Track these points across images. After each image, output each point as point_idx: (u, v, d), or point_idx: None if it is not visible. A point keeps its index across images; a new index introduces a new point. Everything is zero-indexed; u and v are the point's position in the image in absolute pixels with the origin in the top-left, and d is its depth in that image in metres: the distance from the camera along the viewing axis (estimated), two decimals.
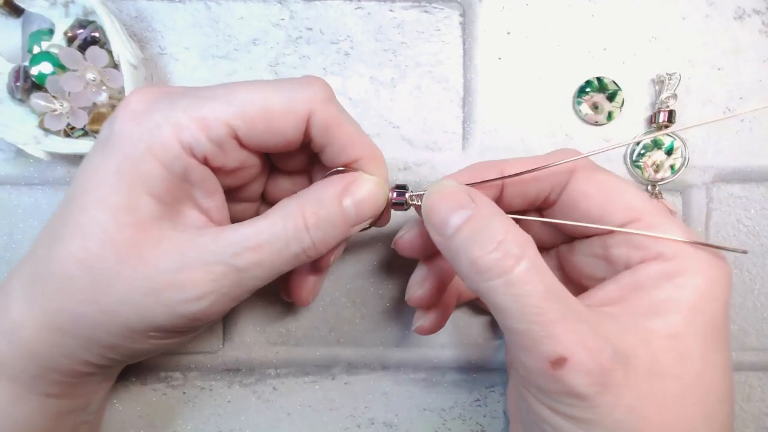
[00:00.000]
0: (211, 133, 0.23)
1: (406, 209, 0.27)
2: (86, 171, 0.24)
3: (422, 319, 0.29)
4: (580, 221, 0.26)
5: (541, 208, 0.28)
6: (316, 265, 0.29)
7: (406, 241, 0.28)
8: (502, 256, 0.21)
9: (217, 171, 0.25)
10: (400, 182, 0.28)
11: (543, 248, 0.31)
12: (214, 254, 0.23)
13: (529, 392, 0.23)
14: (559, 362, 0.21)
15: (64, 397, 0.26)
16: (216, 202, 0.26)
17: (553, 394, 0.21)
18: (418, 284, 0.29)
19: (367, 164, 0.26)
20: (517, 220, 0.29)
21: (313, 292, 0.31)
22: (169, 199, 0.24)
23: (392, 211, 0.28)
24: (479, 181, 0.26)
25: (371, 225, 0.28)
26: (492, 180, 0.27)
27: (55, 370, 0.25)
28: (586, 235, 0.27)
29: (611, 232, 0.25)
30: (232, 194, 0.28)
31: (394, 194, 0.27)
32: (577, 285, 0.29)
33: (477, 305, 0.35)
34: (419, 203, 0.26)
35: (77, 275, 0.23)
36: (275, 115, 0.24)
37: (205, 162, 0.24)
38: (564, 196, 0.26)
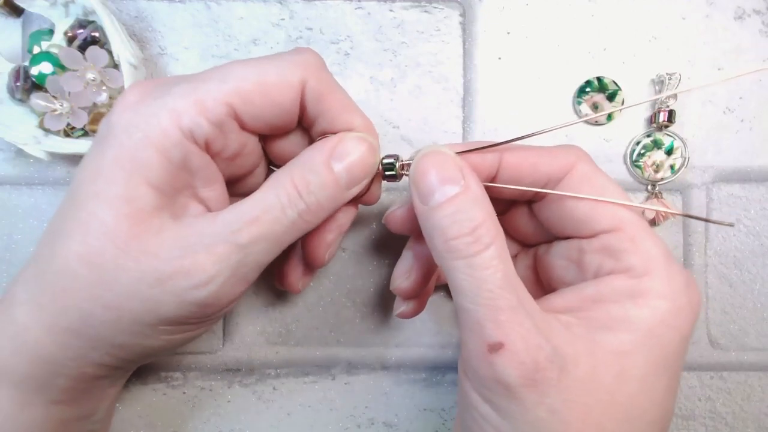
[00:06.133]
0: (210, 114, 0.23)
1: (398, 180, 0.27)
2: (85, 166, 0.24)
3: (404, 306, 0.30)
4: (565, 220, 0.26)
5: (532, 200, 0.28)
6: (309, 261, 0.29)
7: (397, 216, 0.28)
8: (472, 241, 0.22)
9: (217, 157, 0.25)
10: (391, 158, 0.27)
11: (524, 245, 0.31)
12: (214, 236, 0.23)
13: (466, 376, 0.23)
14: (495, 347, 0.21)
15: (70, 404, 0.26)
16: (216, 191, 0.25)
17: (485, 380, 0.22)
18: (404, 276, 0.29)
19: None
20: (505, 211, 0.29)
21: (304, 279, 0.31)
22: (167, 189, 0.23)
23: (381, 192, 0.28)
24: (471, 149, 0.26)
25: (361, 198, 0.28)
26: (490, 184, 0.26)
27: (62, 374, 0.24)
28: (567, 236, 0.27)
29: (590, 236, 0.25)
30: (232, 188, 0.28)
31: (384, 162, 0.27)
32: (546, 287, 0.29)
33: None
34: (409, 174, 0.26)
35: (80, 272, 0.23)
36: (271, 87, 0.24)
37: (207, 147, 0.24)
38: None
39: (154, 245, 0.22)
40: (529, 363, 0.21)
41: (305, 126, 0.27)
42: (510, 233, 0.30)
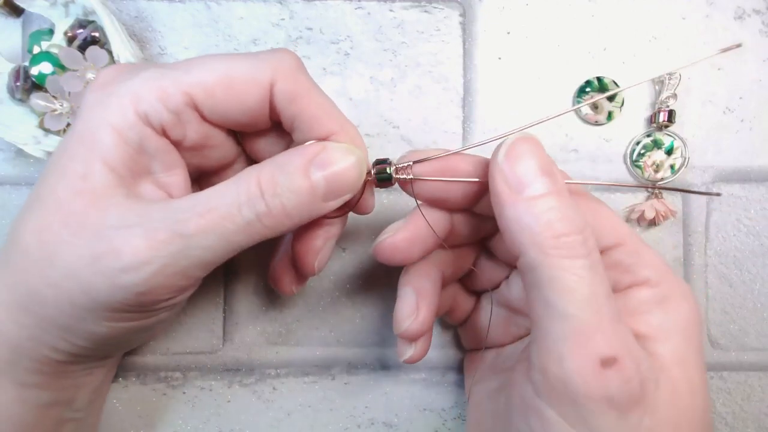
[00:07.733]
0: (168, 101, 0.23)
1: (392, 185, 0.25)
2: (59, 144, 0.24)
3: (411, 350, 0.27)
4: None
5: None
6: (299, 267, 0.28)
7: (389, 244, 0.26)
8: (586, 239, 0.21)
9: (179, 145, 0.25)
10: (382, 160, 0.25)
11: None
12: (158, 220, 0.22)
13: (542, 396, 0.21)
14: (609, 362, 0.20)
15: (43, 389, 0.25)
16: (176, 177, 0.25)
17: (587, 399, 0.20)
18: (410, 316, 0.26)
19: (339, 140, 0.24)
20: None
21: (296, 284, 0.30)
22: (123, 170, 0.23)
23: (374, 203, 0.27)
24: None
25: (351, 209, 0.26)
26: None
27: (25, 355, 0.24)
28: None
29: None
30: (207, 182, 0.28)
31: (377, 169, 0.25)
32: None
33: (446, 320, 0.34)
34: (405, 177, 0.25)
35: (31, 246, 0.22)
36: (236, 83, 0.23)
37: (164, 133, 0.24)
38: None
39: (95, 222, 0.22)
40: (638, 379, 0.20)
41: (286, 129, 0.26)
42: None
